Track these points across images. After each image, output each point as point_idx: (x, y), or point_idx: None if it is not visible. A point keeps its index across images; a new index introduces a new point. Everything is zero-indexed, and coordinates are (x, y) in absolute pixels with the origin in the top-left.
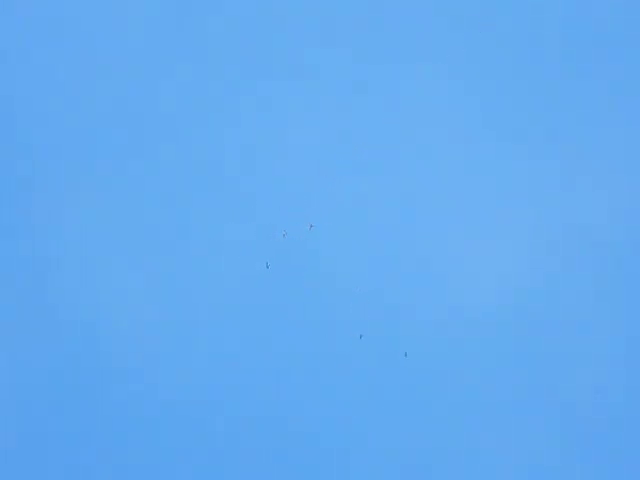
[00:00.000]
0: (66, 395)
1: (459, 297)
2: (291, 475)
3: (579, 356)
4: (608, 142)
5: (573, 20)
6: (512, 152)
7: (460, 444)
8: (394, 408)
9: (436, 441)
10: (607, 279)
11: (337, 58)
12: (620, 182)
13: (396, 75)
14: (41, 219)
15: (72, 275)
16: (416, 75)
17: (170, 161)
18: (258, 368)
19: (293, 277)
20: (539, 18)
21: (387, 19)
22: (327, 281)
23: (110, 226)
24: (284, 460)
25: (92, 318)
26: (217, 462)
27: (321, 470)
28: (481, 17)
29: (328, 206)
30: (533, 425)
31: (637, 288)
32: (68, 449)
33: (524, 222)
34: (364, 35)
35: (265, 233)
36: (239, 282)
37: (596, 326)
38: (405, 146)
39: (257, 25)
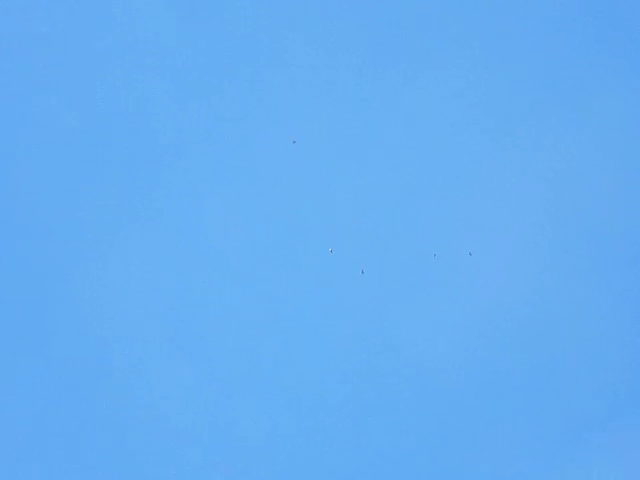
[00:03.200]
0: (65, 393)
1: (462, 297)
2: (292, 475)
3: (582, 357)
4: (610, 142)
5: (571, 22)
6: (512, 152)
7: (460, 444)
8: (394, 409)
9: (437, 441)
10: (608, 279)
11: (337, 60)
12: (621, 182)
13: (397, 75)
14: (41, 217)
15: (72, 273)
16: (417, 75)
17: (171, 162)
18: (259, 367)
19: (294, 278)
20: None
21: (387, 21)
22: (329, 276)
23: (109, 225)
24: (283, 459)
25: (93, 318)
26: (216, 460)
27: (321, 470)
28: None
29: (331, 205)
30: (533, 425)
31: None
32: (67, 447)
33: (526, 223)
34: (365, 36)
35: (269, 235)
36: (241, 283)
37: (598, 326)
38: (408, 145)
39: (258, 26)
